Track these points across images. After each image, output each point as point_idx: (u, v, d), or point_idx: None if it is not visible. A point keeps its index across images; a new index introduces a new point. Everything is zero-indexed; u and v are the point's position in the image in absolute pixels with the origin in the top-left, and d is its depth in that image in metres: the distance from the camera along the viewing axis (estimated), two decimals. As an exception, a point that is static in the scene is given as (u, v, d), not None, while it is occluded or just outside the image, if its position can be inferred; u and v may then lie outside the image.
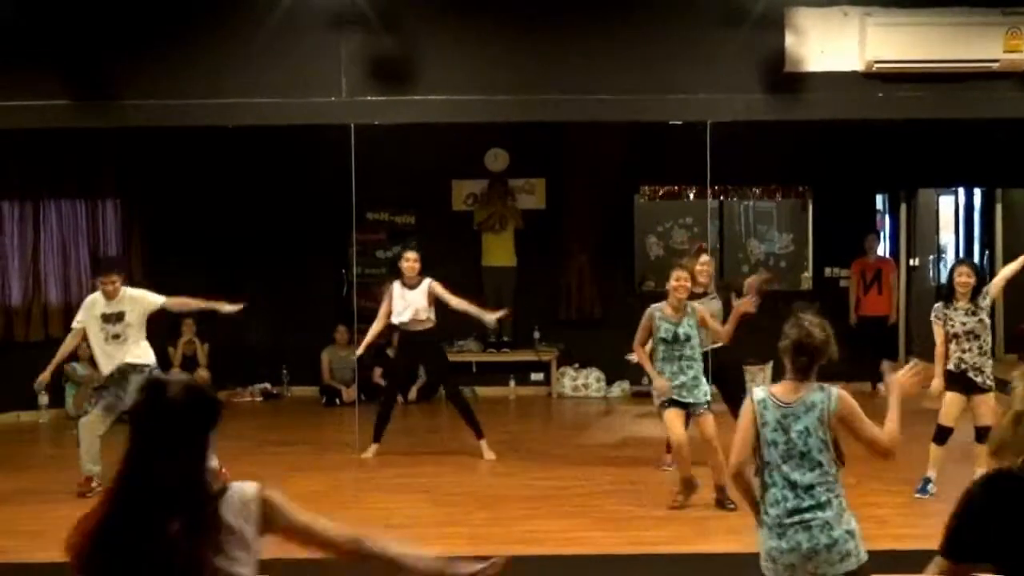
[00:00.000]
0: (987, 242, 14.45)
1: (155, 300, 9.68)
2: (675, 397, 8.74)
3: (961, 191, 14.91)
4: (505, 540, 7.85)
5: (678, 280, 8.90)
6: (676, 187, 15.02)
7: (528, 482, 9.74)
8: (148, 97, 9.76)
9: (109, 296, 9.55)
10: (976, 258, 14.56)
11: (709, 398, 8.93)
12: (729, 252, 15.23)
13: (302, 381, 14.25)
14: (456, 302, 10.55)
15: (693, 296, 9.36)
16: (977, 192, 14.58)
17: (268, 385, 14.50)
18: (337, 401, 13.77)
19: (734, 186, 14.84)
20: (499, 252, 14.25)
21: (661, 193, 15.15)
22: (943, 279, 15.32)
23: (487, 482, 9.81)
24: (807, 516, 4.87)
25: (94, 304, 9.63)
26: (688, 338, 8.82)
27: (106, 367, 9.58)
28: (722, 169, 10.57)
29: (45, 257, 13.19)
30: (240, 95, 9.85)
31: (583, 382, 14.36)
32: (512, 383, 14.37)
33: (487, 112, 10.16)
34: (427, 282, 10.55)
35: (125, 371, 9.45)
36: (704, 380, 8.99)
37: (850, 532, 4.88)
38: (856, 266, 13.83)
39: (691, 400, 8.76)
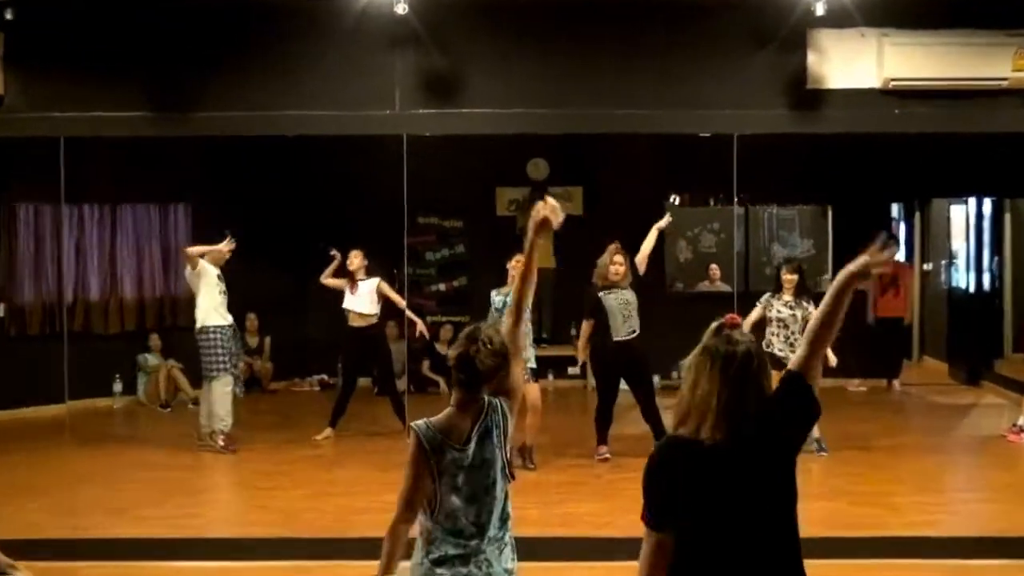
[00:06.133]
0: (996, 248, 14.34)
1: None
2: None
3: (972, 201, 14.78)
4: (541, 523, 7.87)
5: (517, 261, 9.31)
6: (704, 195, 15.01)
7: (563, 468, 9.77)
8: (218, 109, 9.87)
9: None
10: (986, 263, 14.44)
11: (534, 365, 9.79)
12: (753, 256, 15.19)
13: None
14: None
15: (609, 286, 9.92)
16: (987, 202, 14.45)
17: (325, 376, 14.58)
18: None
19: (759, 195, 14.79)
20: (539, 255, 14.24)
21: (690, 200, 15.15)
22: (955, 282, 15.27)
23: (524, 468, 9.82)
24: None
25: None
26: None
27: None
28: (747, 179, 10.56)
29: (121, 256, 13.37)
30: (302, 107, 9.94)
31: (616, 376, 14.33)
32: (551, 376, 14.39)
33: (529, 124, 10.20)
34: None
35: None
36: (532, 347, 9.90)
37: (509, 571, 3.90)
38: (874, 270, 13.73)
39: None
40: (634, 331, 9.88)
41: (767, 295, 10.23)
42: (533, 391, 9.60)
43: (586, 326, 10.13)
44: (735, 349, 3.29)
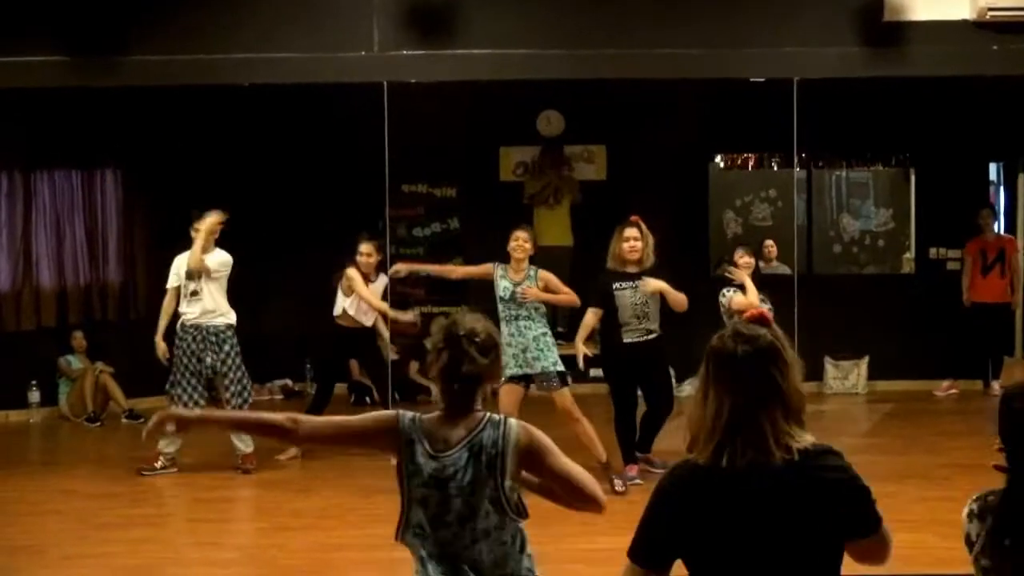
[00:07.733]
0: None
1: None
2: (512, 369, 9.56)
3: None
4: (558, 560, 7.84)
5: (516, 240, 9.82)
6: (757, 155, 14.96)
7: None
8: (155, 52, 9.82)
9: None
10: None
11: (560, 367, 9.83)
12: (818, 230, 15.13)
13: (328, 377, 14.30)
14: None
15: (624, 276, 9.94)
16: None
17: (289, 381, 14.57)
18: (367, 400, 13.81)
19: (825, 154, 14.76)
20: (553, 229, 14.20)
21: (740, 162, 15.10)
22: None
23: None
24: None
25: None
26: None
27: None
28: (811, 134, 10.50)
29: (37, 235, 13.30)
30: (258, 50, 9.90)
31: (649, 379, 14.30)
32: (568, 379, 14.32)
33: (539, 69, 10.17)
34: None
35: None
36: (554, 346, 9.97)
37: None
38: (973, 245, 13.64)
39: (530, 370, 9.70)
40: (651, 331, 9.95)
41: (730, 289, 10.31)
42: (562, 398, 9.83)
43: (590, 315, 10.16)
44: (753, 347, 3.22)
